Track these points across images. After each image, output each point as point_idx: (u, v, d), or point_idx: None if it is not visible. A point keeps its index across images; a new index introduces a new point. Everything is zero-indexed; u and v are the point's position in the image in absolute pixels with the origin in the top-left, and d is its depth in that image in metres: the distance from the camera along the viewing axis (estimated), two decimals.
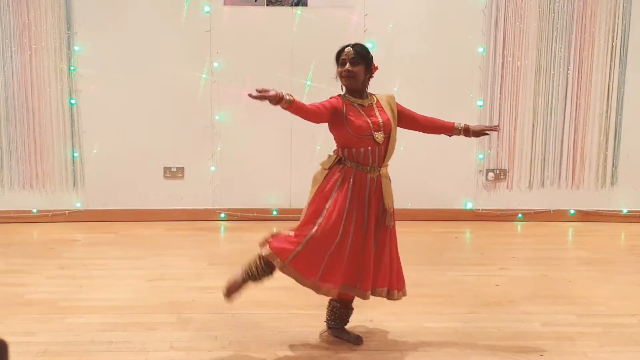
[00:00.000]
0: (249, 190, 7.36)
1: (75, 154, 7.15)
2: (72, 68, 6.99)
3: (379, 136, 4.29)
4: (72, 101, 7.04)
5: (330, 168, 4.41)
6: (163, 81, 7.10)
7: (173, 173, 7.30)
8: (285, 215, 7.37)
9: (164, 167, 7.30)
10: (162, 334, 4.74)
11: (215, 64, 7.08)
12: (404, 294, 4.56)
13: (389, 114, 4.37)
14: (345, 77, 4.32)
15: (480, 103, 7.21)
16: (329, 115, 4.27)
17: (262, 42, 7.09)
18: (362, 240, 4.34)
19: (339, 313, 4.61)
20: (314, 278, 4.33)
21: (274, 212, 7.39)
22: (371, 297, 4.45)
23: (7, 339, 2.92)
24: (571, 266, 6.21)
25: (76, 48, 6.96)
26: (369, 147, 4.29)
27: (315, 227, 4.34)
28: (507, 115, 7.29)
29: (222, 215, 7.37)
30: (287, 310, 5.15)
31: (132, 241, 6.74)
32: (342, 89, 4.40)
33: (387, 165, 4.41)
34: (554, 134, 7.34)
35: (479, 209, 7.48)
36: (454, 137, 4.60)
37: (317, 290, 4.37)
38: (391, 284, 4.46)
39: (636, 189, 7.47)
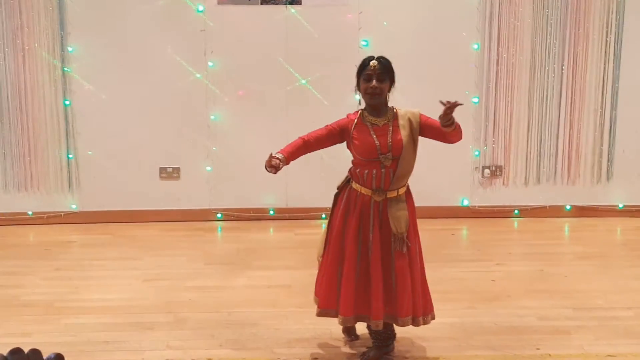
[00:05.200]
0: (245, 190, 7.34)
1: (70, 156, 7.13)
2: (66, 69, 6.98)
3: (386, 159, 4.13)
4: (67, 102, 7.02)
5: (340, 188, 4.38)
6: (158, 81, 7.08)
7: (169, 173, 7.29)
8: (282, 214, 7.37)
9: (160, 168, 7.28)
10: (159, 334, 4.76)
11: (210, 64, 7.07)
12: (433, 317, 4.43)
13: (405, 133, 4.17)
14: (371, 94, 4.15)
15: (475, 100, 7.21)
16: (335, 137, 4.24)
17: (257, 40, 7.08)
18: (368, 267, 4.22)
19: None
20: (331, 308, 4.34)
21: (271, 212, 7.39)
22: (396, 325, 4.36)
23: (4, 340, 2.93)
24: (567, 261, 6.23)
25: (70, 49, 6.94)
26: (374, 170, 4.15)
27: (326, 256, 4.39)
28: (502, 112, 7.28)
29: (219, 215, 7.36)
30: (283, 308, 5.17)
31: (128, 242, 6.73)
32: (359, 103, 4.30)
33: (403, 186, 4.25)
34: (549, 130, 7.34)
35: (476, 206, 7.48)
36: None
37: (336, 317, 4.37)
38: (416, 311, 4.30)
39: (632, 183, 7.47)
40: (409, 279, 4.25)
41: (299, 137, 4.26)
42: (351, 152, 4.27)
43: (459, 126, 4.15)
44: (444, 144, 4.38)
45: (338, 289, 4.28)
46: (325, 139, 4.24)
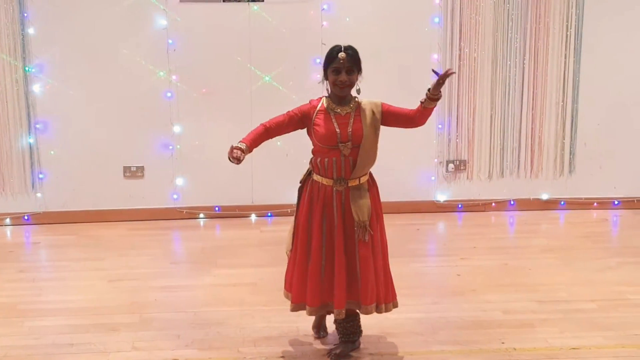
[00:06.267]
0: (210, 187, 7.32)
1: (33, 156, 7.05)
2: (27, 69, 6.90)
3: (345, 147, 4.14)
4: (28, 102, 6.94)
5: (303, 182, 4.38)
6: (120, 80, 7.03)
7: (133, 172, 7.24)
8: (247, 212, 7.36)
9: (124, 167, 7.23)
10: (124, 335, 4.73)
11: (173, 62, 7.02)
12: (395, 306, 4.45)
13: (367, 122, 4.19)
14: (341, 86, 4.16)
15: None
16: (296, 123, 4.24)
17: (220, 38, 7.06)
18: (333, 257, 4.23)
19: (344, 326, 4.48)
20: (304, 301, 4.33)
21: (236, 210, 7.37)
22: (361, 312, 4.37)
23: None
24: (531, 254, 6.27)
25: (31, 48, 6.86)
26: (334, 158, 4.17)
27: (294, 250, 4.37)
28: (465, 107, 7.32)
29: (184, 213, 7.33)
30: (250, 307, 5.15)
31: (93, 242, 6.68)
32: (327, 91, 4.27)
33: (365, 175, 4.26)
34: (511, 124, 7.40)
35: (440, 201, 7.52)
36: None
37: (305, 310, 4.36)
38: (379, 299, 4.33)
39: (593, 176, 7.55)
40: (372, 267, 4.27)
41: (261, 124, 4.27)
42: (311, 139, 4.28)
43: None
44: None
45: (306, 280, 4.29)
46: (287, 125, 4.25)
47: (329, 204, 4.23)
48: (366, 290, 4.25)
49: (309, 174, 4.35)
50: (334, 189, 4.21)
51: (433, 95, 4.13)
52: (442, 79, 4.10)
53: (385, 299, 4.38)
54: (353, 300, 4.30)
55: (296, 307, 4.38)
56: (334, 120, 4.18)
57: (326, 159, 4.19)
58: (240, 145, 4.13)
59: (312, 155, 4.32)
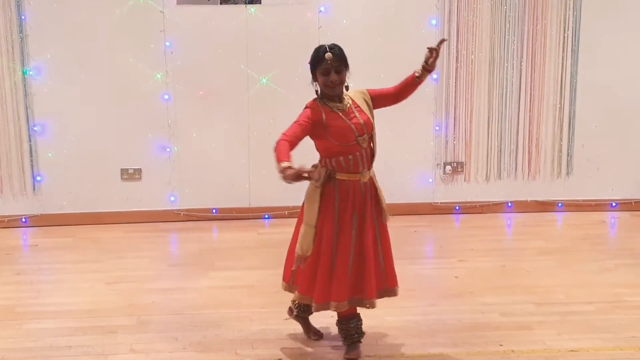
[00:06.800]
0: (208, 190, 7.31)
1: (31, 158, 7.05)
2: (25, 72, 6.89)
3: (364, 140, 4.16)
4: (27, 104, 6.94)
5: (323, 183, 4.23)
6: (118, 82, 7.03)
7: (130, 175, 7.23)
8: (244, 214, 7.36)
9: (121, 169, 7.22)
10: (122, 337, 4.72)
11: (170, 64, 7.02)
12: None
13: (367, 110, 4.25)
14: (332, 87, 4.14)
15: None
16: (308, 131, 4.13)
17: (217, 40, 7.06)
18: (362, 249, 4.23)
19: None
20: (328, 300, 4.29)
21: (233, 212, 7.36)
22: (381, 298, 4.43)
23: None
24: (529, 256, 6.27)
25: (29, 51, 6.86)
26: (357, 154, 4.16)
27: (316, 251, 4.25)
28: (462, 108, 7.32)
29: (181, 216, 7.32)
30: (247, 309, 5.15)
31: (90, 244, 6.67)
32: (316, 93, 4.24)
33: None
34: (509, 126, 7.40)
35: (437, 202, 7.52)
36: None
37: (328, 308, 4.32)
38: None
39: (591, 178, 7.55)
40: (390, 249, 4.42)
41: (282, 140, 3.97)
42: (323, 142, 4.18)
43: None
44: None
45: (331, 278, 4.24)
46: (301, 135, 4.12)
47: (359, 198, 4.23)
48: (391, 272, 4.41)
49: (328, 175, 4.22)
50: (361, 182, 4.23)
51: (431, 67, 4.28)
52: (437, 50, 4.29)
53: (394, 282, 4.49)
54: (381, 290, 4.39)
55: (319, 307, 4.31)
56: (343, 117, 4.17)
57: (350, 156, 4.17)
58: (288, 164, 3.82)
59: (323, 158, 4.25)
